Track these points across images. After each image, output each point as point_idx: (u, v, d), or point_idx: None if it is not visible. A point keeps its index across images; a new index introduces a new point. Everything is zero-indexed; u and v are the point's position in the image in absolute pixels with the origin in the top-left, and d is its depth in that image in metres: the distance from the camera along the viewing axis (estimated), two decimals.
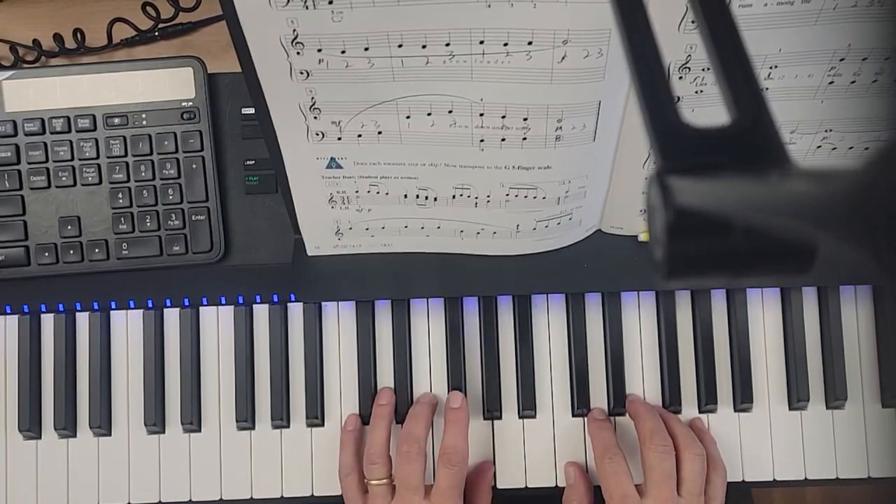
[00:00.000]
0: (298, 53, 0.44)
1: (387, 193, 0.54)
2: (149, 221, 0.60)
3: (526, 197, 0.53)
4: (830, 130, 0.51)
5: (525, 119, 0.47)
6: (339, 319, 0.61)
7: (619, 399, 0.60)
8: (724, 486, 0.57)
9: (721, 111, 0.22)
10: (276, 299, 0.61)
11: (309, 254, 0.59)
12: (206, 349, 0.61)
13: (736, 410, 0.60)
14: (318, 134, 0.49)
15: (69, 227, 0.60)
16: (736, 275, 0.21)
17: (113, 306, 0.61)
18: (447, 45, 0.43)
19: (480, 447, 0.60)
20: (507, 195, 0.53)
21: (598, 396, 0.60)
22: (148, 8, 0.62)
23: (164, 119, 0.60)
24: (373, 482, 0.56)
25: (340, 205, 0.55)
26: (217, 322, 0.61)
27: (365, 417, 0.60)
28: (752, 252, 0.20)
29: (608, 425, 0.59)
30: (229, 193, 0.61)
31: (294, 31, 0.43)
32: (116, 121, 0.60)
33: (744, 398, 0.60)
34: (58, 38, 0.63)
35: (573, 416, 0.60)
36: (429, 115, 0.48)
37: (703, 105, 0.48)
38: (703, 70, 0.47)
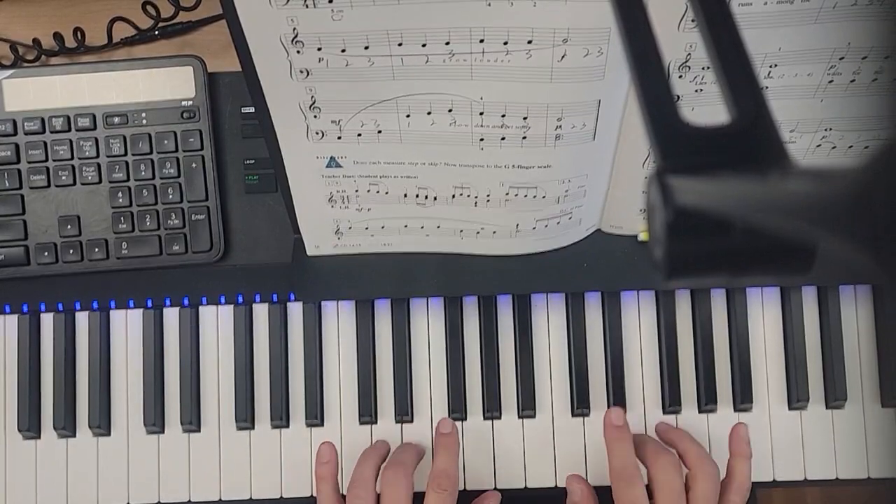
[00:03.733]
0: (298, 52, 0.44)
1: (386, 193, 0.54)
2: (148, 221, 0.60)
3: (526, 196, 0.53)
4: (830, 129, 0.51)
5: (525, 118, 0.47)
6: (339, 319, 0.61)
7: (618, 399, 0.60)
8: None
9: (721, 110, 0.22)
10: (275, 299, 0.61)
11: (309, 253, 0.59)
12: (206, 349, 0.61)
13: (736, 410, 0.60)
14: (317, 133, 0.49)
15: (69, 227, 0.60)
16: (736, 274, 0.21)
17: (112, 306, 0.61)
18: (447, 43, 0.43)
19: (480, 447, 0.60)
20: (507, 194, 0.53)
21: (598, 396, 0.60)
22: (148, 7, 0.62)
23: (163, 118, 0.60)
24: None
25: (340, 204, 0.55)
26: (217, 322, 0.61)
27: (364, 419, 0.60)
28: (752, 252, 0.20)
29: (628, 436, 0.55)
30: (229, 193, 0.61)
31: (294, 29, 0.43)
32: (116, 120, 0.59)
33: (743, 398, 0.60)
34: (58, 37, 0.63)
35: (573, 416, 0.60)
36: (429, 113, 0.48)
37: (703, 104, 0.48)
38: (702, 69, 0.46)
